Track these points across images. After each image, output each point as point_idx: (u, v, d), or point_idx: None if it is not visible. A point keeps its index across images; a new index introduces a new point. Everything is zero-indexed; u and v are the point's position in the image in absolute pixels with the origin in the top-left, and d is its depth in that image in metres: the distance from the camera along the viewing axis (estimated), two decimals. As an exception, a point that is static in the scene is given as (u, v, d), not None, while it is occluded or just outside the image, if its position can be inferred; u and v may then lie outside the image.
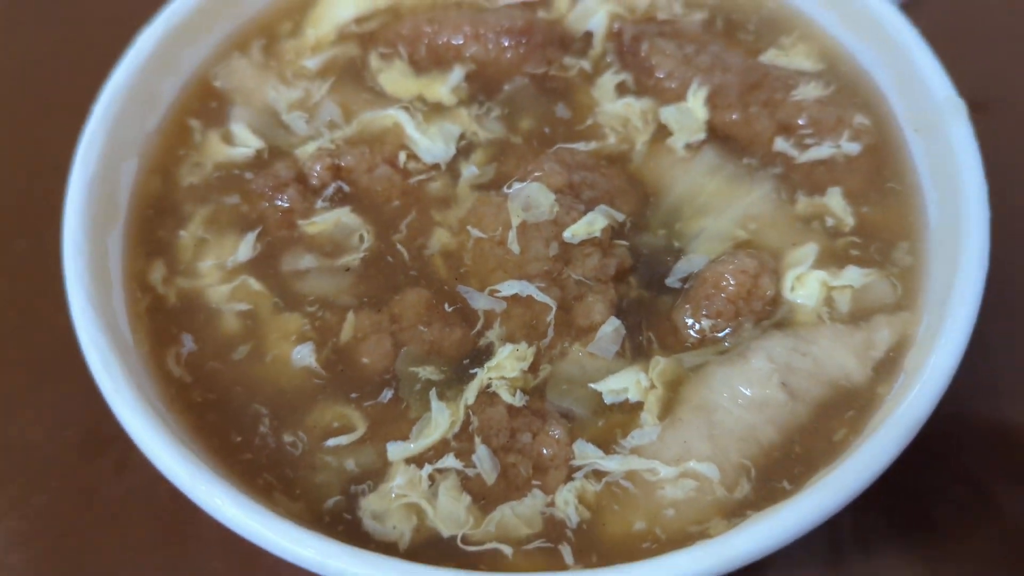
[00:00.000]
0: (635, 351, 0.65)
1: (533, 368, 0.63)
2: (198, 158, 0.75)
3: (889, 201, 0.71)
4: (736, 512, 0.58)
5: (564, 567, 0.57)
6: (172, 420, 0.61)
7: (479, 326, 0.65)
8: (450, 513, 0.59)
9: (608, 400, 0.62)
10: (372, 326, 0.65)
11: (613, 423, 0.62)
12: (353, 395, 0.64)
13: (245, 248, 0.69)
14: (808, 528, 0.53)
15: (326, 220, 0.70)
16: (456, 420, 0.61)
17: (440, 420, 0.61)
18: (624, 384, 0.62)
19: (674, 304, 0.66)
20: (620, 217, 0.68)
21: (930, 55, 0.69)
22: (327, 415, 0.63)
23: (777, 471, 0.60)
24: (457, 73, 0.76)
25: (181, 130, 0.76)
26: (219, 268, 0.69)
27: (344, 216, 0.70)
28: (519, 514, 0.59)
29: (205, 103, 0.78)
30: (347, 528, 0.59)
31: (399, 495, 0.59)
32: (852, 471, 0.54)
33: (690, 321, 0.65)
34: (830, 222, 0.69)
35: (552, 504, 0.59)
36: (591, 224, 0.66)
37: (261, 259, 0.70)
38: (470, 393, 0.62)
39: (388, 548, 0.57)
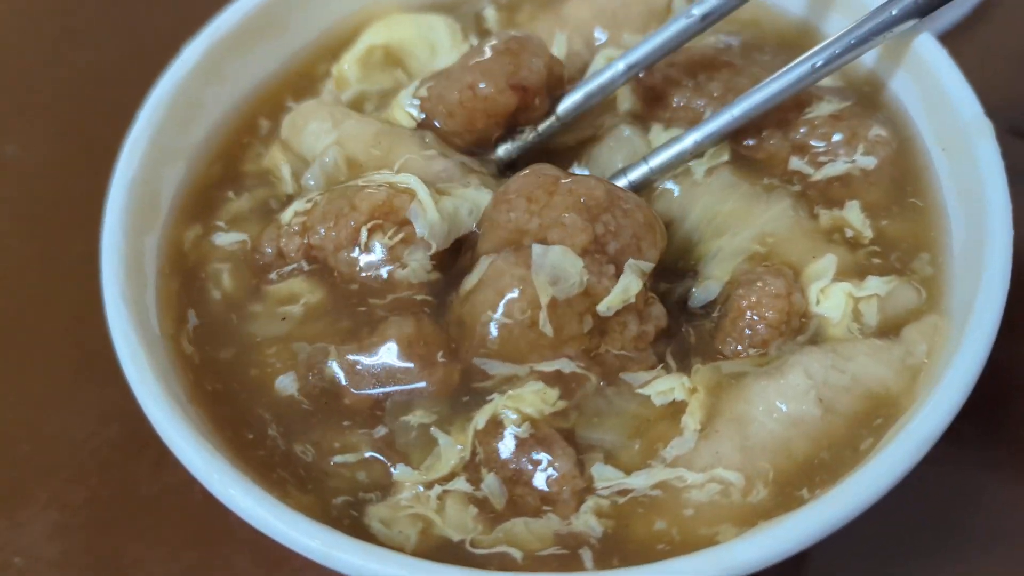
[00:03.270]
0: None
1: (563, 415, 0.62)
2: (260, 149, 0.78)
3: (910, 215, 0.70)
4: (748, 520, 0.57)
5: (582, 569, 0.56)
6: (193, 412, 0.62)
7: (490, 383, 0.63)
8: (459, 521, 0.58)
9: (658, 402, 0.61)
10: (350, 366, 0.63)
11: (653, 437, 0.61)
12: (345, 423, 0.63)
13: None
14: (812, 540, 0.52)
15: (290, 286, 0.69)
16: (465, 450, 0.60)
17: (449, 455, 0.60)
18: (670, 385, 0.62)
19: (713, 332, 0.65)
20: (648, 267, 0.63)
21: (958, 75, 0.68)
22: (328, 436, 0.63)
23: (798, 479, 0.59)
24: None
25: (251, 124, 0.80)
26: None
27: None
28: (532, 530, 0.58)
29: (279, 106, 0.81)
30: (352, 523, 0.59)
31: (406, 507, 0.59)
32: (861, 485, 0.53)
33: (735, 349, 0.64)
34: (849, 234, 0.69)
35: (569, 524, 0.58)
36: (626, 292, 0.61)
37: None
38: (481, 418, 0.60)
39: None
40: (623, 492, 0.59)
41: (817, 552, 0.70)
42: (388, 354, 0.62)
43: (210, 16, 0.80)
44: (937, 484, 0.73)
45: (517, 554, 0.57)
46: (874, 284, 0.65)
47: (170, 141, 0.74)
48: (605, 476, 0.59)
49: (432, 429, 0.61)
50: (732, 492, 0.58)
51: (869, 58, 0.76)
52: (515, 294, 0.60)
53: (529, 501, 0.59)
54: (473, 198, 0.68)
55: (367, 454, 0.62)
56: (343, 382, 0.63)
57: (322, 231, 0.66)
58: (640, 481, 0.59)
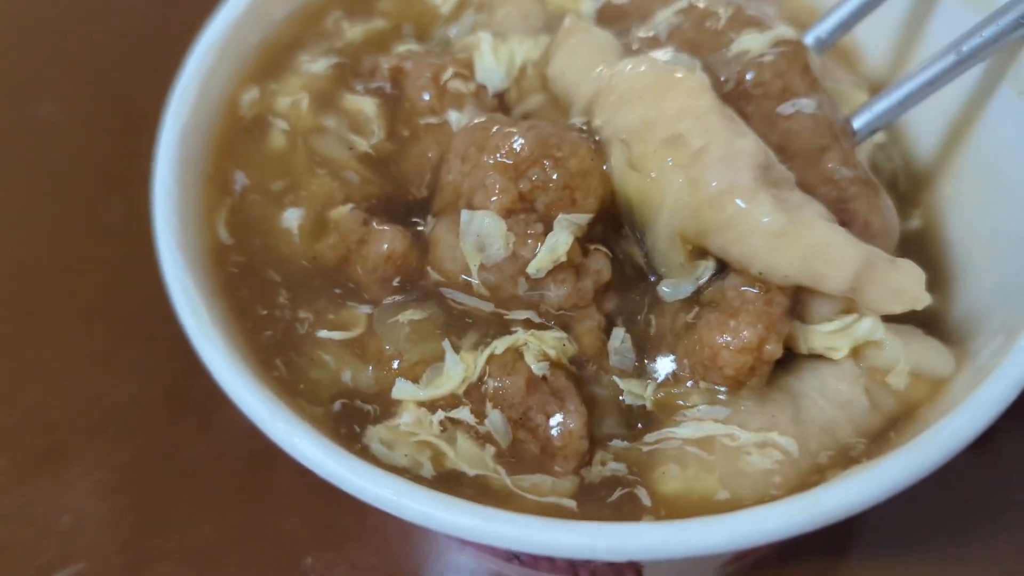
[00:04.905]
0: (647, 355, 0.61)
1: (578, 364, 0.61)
2: None
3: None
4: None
5: (644, 508, 0.55)
6: (236, 340, 0.60)
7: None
8: (474, 456, 0.56)
9: (626, 400, 0.59)
10: (346, 232, 0.64)
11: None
12: (337, 291, 0.63)
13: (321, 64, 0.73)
14: (912, 481, 0.50)
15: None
16: (471, 375, 0.58)
17: (453, 372, 0.58)
18: (639, 391, 0.59)
19: (675, 336, 0.60)
20: (583, 219, 0.60)
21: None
22: (322, 301, 0.63)
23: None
24: None
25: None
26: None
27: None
28: (556, 487, 0.56)
29: None
30: (363, 448, 0.58)
31: (408, 432, 0.57)
32: (960, 425, 0.50)
33: (686, 376, 0.59)
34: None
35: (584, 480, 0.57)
36: (554, 251, 0.58)
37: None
38: (500, 344, 0.58)
39: (402, 474, 0.55)
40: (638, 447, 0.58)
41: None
42: (374, 255, 0.63)
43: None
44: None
45: (571, 503, 0.56)
46: (867, 328, 0.58)
47: (219, 86, 0.71)
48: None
49: (445, 342, 0.59)
50: (796, 462, 0.56)
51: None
52: (451, 263, 0.61)
53: (530, 448, 0.57)
54: (527, 48, 0.71)
55: (359, 331, 0.62)
56: (338, 246, 0.65)
57: (414, 63, 0.70)
58: (688, 431, 0.57)
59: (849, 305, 0.58)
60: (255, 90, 0.72)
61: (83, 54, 1.08)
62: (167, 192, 0.63)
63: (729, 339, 0.56)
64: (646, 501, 0.55)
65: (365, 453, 0.57)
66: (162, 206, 0.62)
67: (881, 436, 0.58)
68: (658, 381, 0.59)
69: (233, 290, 0.64)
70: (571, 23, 0.69)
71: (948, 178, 0.72)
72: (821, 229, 0.56)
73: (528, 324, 0.60)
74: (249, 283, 0.64)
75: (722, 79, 0.63)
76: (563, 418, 0.56)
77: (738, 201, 0.55)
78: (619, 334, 0.60)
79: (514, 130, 0.60)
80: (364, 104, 0.70)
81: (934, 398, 0.59)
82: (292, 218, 0.66)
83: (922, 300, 0.57)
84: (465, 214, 0.60)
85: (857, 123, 0.65)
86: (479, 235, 0.59)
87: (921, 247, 0.70)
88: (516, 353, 0.58)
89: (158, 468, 0.81)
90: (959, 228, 0.70)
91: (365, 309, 0.62)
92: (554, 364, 0.58)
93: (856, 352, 0.59)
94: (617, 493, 0.56)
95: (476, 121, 0.63)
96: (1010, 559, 0.73)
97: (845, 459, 0.57)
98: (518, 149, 0.59)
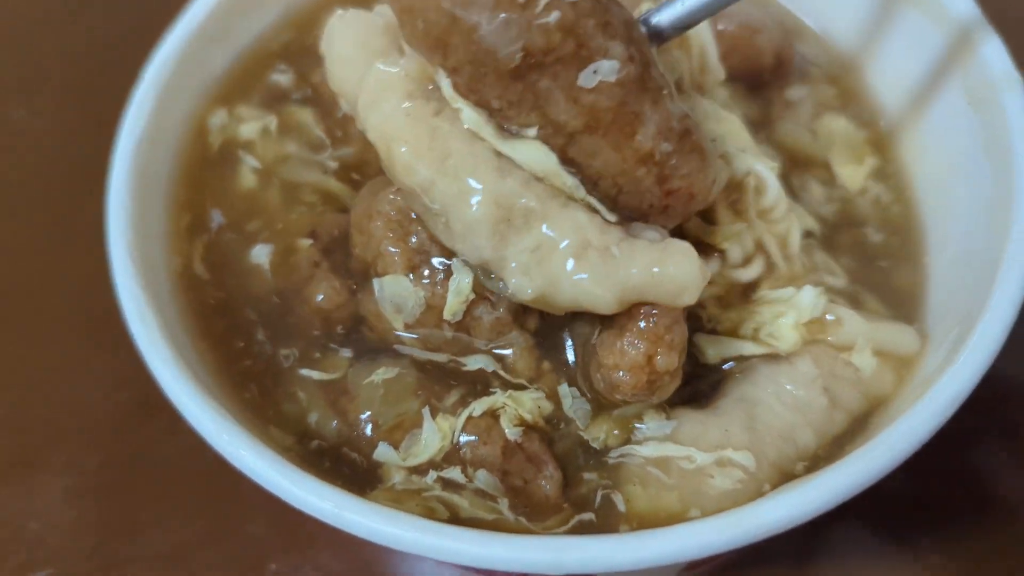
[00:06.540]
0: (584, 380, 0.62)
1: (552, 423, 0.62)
2: None
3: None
4: None
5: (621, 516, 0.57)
6: (195, 356, 0.62)
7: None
8: (488, 507, 0.57)
9: (594, 445, 0.60)
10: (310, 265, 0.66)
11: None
12: (315, 332, 0.65)
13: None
14: (835, 503, 0.51)
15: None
16: (446, 444, 0.59)
17: (431, 443, 0.59)
18: (597, 434, 0.60)
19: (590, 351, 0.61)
20: None
21: (988, 28, 0.66)
22: (302, 341, 0.65)
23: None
24: None
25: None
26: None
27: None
28: (565, 516, 0.58)
29: None
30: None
31: (411, 490, 0.58)
32: (879, 451, 0.51)
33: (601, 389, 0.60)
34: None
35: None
36: (460, 292, 0.59)
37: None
38: (479, 406, 0.59)
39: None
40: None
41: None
42: (304, 302, 0.65)
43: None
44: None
45: (589, 516, 0.58)
46: (807, 298, 0.61)
47: (176, 99, 0.72)
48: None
49: (425, 411, 0.60)
50: (754, 479, 0.57)
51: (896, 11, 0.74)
52: (381, 324, 0.62)
53: (516, 500, 0.58)
54: None
55: (337, 375, 0.63)
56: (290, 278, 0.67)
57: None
58: (648, 451, 0.58)
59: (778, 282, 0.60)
60: (223, 112, 0.74)
61: (55, 59, 1.08)
62: (121, 203, 0.64)
63: (617, 361, 0.56)
64: (621, 507, 0.57)
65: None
66: (115, 215, 0.64)
67: (844, 439, 0.59)
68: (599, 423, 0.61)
69: (209, 319, 0.66)
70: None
71: (919, 181, 0.73)
72: (570, 276, 0.54)
73: (505, 384, 0.61)
74: (227, 316, 0.66)
75: (510, 51, 0.51)
76: (541, 483, 0.58)
77: (496, 271, 0.56)
78: (567, 392, 0.61)
79: (389, 190, 0.61)
80: (302, 115, 0.73)
81: (895, 395, 0.60)
82: (262, 254, 0.67)
83: (696, 291, 0.54)
84: (376, 283, 0.61)
85: (663, 20, 0.56)
86: (392, 299, 0.60)
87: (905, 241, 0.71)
88: (492, 417, 0.59)
89: (126, 473, 0.81)
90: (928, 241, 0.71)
91: (346, 353, 0.64)
92: (528, 427, 0.59)
93: (814, 333, 0.60)
94: (598, 496, 0.58)
95: (366, 186, 0.65)
96: (980, 564, 0.74)
97: (815, 465, 0.58)
98: (395, 211, 0.61)
